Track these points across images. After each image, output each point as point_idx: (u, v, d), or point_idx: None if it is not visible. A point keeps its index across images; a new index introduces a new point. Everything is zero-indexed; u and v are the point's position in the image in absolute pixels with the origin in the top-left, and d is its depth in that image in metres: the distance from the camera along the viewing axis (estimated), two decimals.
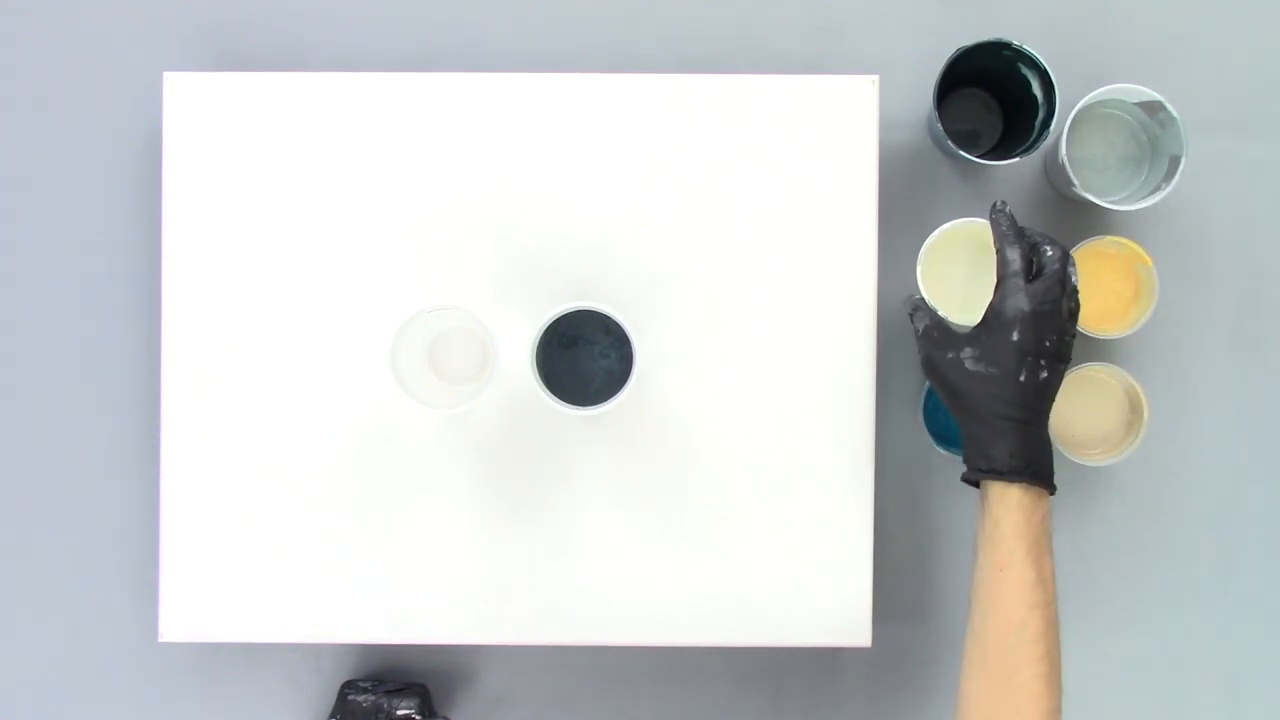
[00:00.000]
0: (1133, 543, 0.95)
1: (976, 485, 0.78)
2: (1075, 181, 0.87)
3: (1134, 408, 0.90)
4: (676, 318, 0.89)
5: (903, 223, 0.93)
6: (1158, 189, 0.88)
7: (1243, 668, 0.95)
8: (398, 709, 0.90)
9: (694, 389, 0.89)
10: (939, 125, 0.88)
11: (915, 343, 0.83)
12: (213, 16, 0.95)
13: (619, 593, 0.89)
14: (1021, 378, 0.75)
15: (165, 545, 0.89)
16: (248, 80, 0.89)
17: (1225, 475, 0.95)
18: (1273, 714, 0.95)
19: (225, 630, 0.89)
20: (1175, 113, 0.87)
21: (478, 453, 0.89)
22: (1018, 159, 0.88)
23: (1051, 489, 0.77)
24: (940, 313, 0.83)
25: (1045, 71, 0.87)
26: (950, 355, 0.78)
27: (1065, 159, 0.88)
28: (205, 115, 0.89)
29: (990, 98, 0.95)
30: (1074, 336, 0.78)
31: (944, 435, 0.93)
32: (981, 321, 0.78)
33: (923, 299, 0.84)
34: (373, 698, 0.90)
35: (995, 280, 0.78)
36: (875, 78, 0.89)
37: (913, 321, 0.83)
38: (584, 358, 0.90)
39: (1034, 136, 0.88)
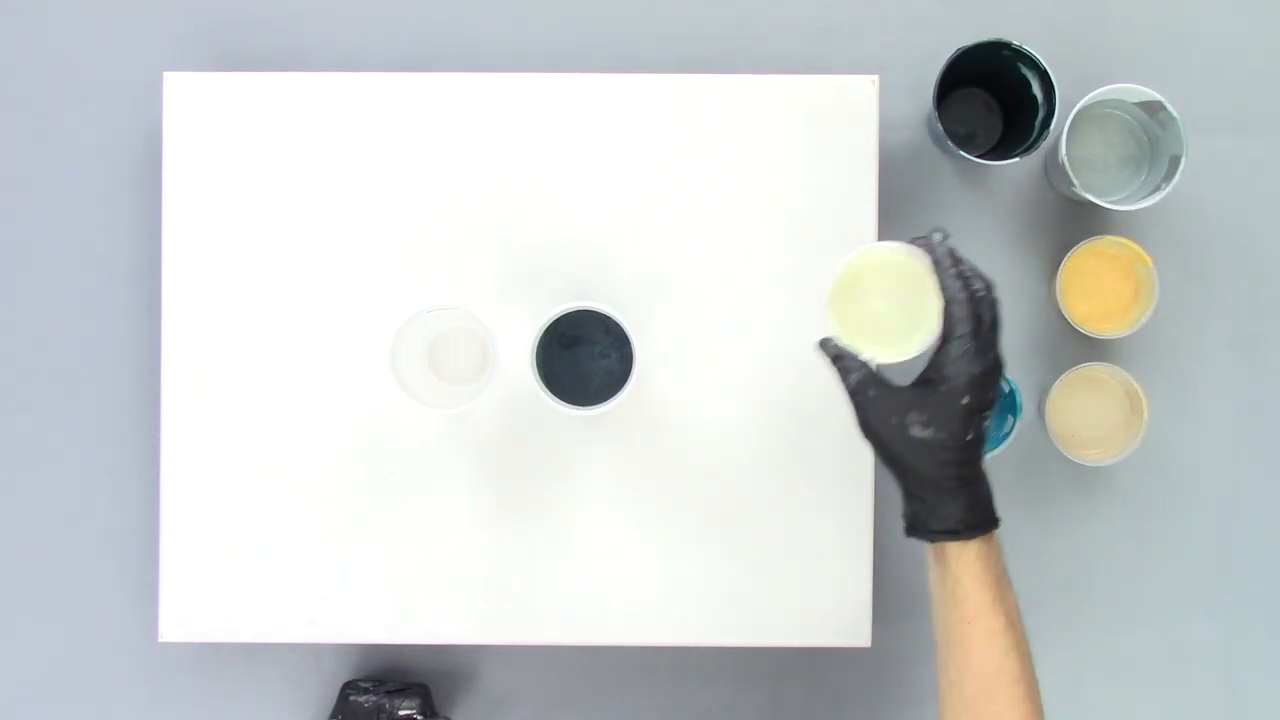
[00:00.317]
0: (1133, 543, 0.95)
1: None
2: (1075, 181, 0.87)
3: (1134, 408, 0.90)
4: (676, 318, 0.89)
5: (903, 223, 0.93)
6: (1158, 189, 0.88)
7: (1243, 668, 0.95)
8: (399, 709, 0.90)
9: (694, 389, 0.89)
10: (939, 125, 0.88)
11: (844, 395, 0.75)
12: (213, 16, 0.95)
13: (619, 593, 0.89)
14: (969, 437, 0.72)
15: (165, 545, 0.89)
16: (248, 80, 0.89)
17: (1225, 475, 0.95)
18: (1273, 714, 0.95)
19: (225, 630, 0.89)
20: (1175, 113, 0.87)
21: (478, 453, 0.89)
22: (1018, 159, 0.88)
23: (998, 524, 0.74)
24: (864, 357, 0.74)
25: (1045, 71, 0.86)
26: (894, 421, 0.72)
27: (1065, 159, 0.88)
28: (205, 115, 0.89)
29: (990, 98, 0.95)
30: (1001, 366, 0.73)
31: None
32: (924, 381, 0.72)
33: (844, 345, 0.75)
34: (374, 698, 0.90)
35: (922, 316, 0.73)
36: (875, 78, 0.89)
37: (836, 372, 0.75)
38: (584, 358, 0.90)
39: (1034, 136, 0.88)
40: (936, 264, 0.73)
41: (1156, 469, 0.94)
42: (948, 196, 0.95)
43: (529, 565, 0.89)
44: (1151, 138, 0.91)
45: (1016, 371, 0.94)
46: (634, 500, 0.89)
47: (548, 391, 0.82)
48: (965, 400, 0.71)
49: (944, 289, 0.72)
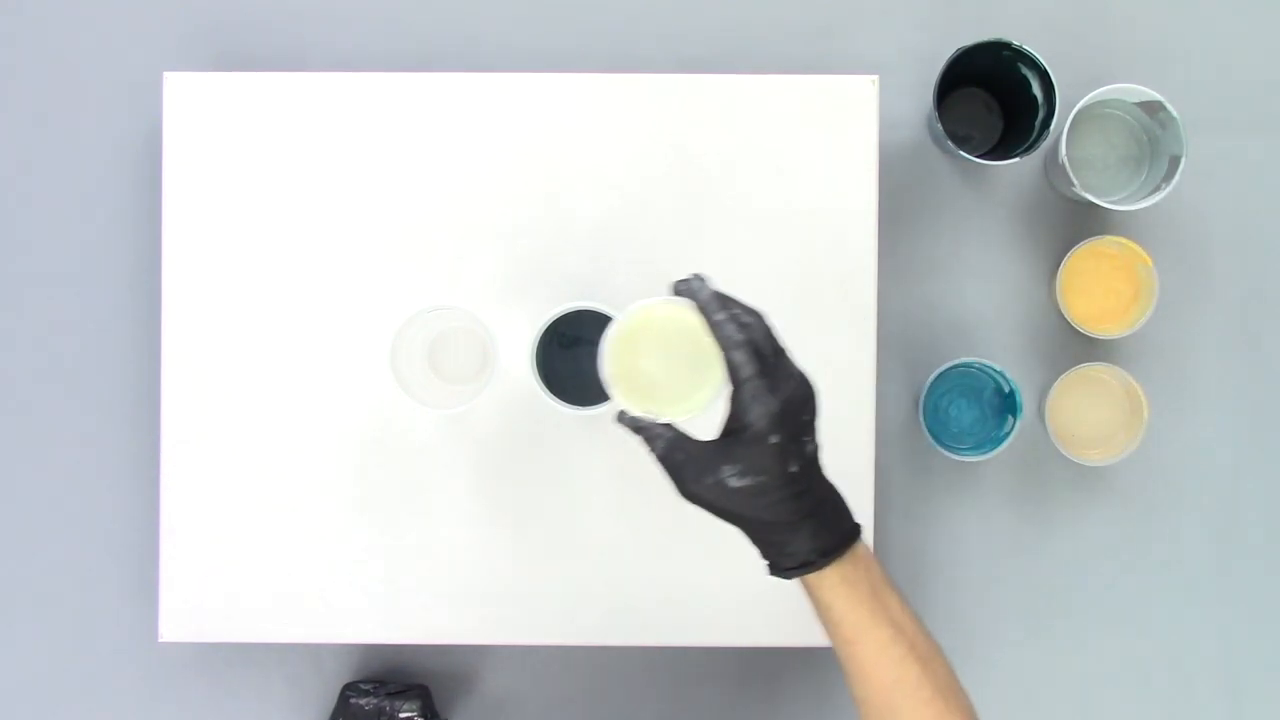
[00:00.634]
0: (1133, 543, 0.95)
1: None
2: (1075, 181, 0.87)
3: (1134, 408, 0.90)
4: None
5: (903, 223, 0.93)
6: (1158, 189, 0.88)
7: (1243, 668, 0.95)
8: (400, 711, 0.90)
9: None
10: (939, 125, 0.88)
11: (655, 465, 0.71)
12: (213, 16, 0.95)
13: (619, 593, 0.89)
14: (793, 469, 0.68)
15: (165, 545, 0.89)
16: (248, 80, 0.89)
17: (1225, 475, 0.95)
18: (1273, 714, 0.95)
19: (225, 630, 0.89)
20: (1175, 113, 0.87)
21: (478, 453, 0.89)
22: (1018, 159, 0.88)
23: (858, 531, 0.71)
24: (663, 421, 0.71)
25: (1045, 71, 0.87)
26: (710, 480, 0.68)
27: (1065, 159, 0.88)
28: (205, 115, 0.89)
29: (990, 98, 0.95)
30: (812, 382, 0.71)
31: (944, 435, 0.93)
32: (727, 433, 0.69)
33: (637, 416, 0.71)
34: (374, 700, 0.90)
35: (707, 365, 0.70)
36: (875, 78, 0.89)
37: (643, 443, 0.71)
38: (584, 358, 0.90)
39: (1034, 136, 0.88)
40: (702, 311, 0.69)
41: (1156, 469, 0.95)
42: (948, 196, 0.95)
43: (529, 565, 0.89)
44: (1151, 138, 0.91)
45: (1016, 371, 0.94)
46: (634, 500, 0.89)
47: (548, 391, 0.82)
48: (774, 439, 0.67)
49: (717, 337, 0.69)
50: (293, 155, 0.89)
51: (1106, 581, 0.95)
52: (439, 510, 0.89)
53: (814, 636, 0.89)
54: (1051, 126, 0.87)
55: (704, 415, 0.71)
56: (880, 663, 0.69)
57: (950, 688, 0.70)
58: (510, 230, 0.89)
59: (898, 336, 0.94)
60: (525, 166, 0.89)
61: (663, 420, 0.71)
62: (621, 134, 0.89)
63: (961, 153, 0.88)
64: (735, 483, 0.68)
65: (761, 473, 0.68)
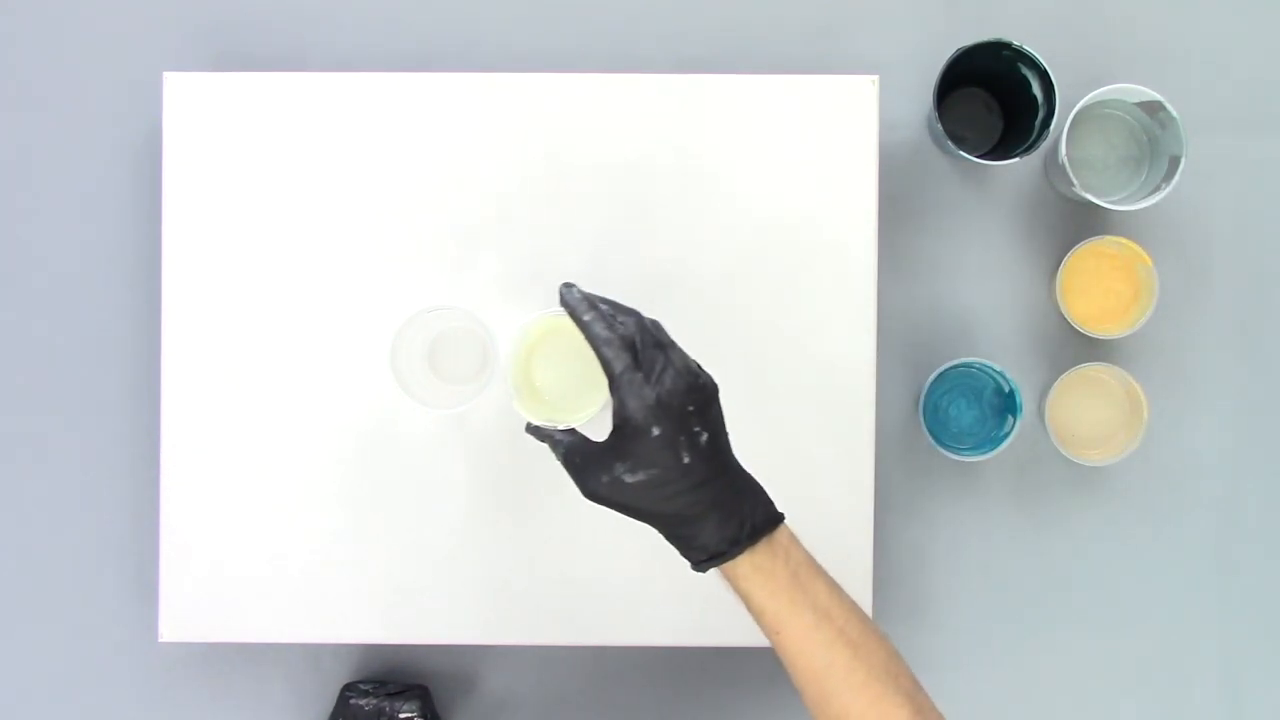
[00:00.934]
0: (1133, 543, 0.95)
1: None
2: (1075, 181, 0.87)
3: (1134, 408, 0.90)
4: (676, 318, 0.89)
5: (903, 223, 0.93)
6: (1158, 189, 0.88)
7: (1243, 668, 0.95)
8: (399, 712, 0.90)
9: None
10: (939, 125, 0.88)
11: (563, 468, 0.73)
12: (213, 16, 0.95)
13: (619, 593, 0.89)
14: (686, 460, 0.68)
15: (165, 545, 0.89)
16: (248, 80, 0.89)
17: (1225, 475, 0.95)
18: (1273, 714, 0.95)
19: (225, 630, 0.89)
20: (1175, 113, 0.87)
21: (478, 453, 0.89)
22: (1018, 159, 0.88)
23: (778, 519, 0.71)
24: (563, 426, 0.74)
25: (1045, 71, 0.87)
26: (605, 478, 0.69)
27: (1065, 159, 0.88)
28: (205, 115, 0.89)
29: (990, 98, 0.95)
30: (702, 374, 0.72)
31: (944, 435, 0.93)
32: (614, 430, 0.70)
33: (539, 425, 0.75)
34: (374, 701, 0.90)
35: (594, 372, 0.71)
36: (875, 78, 0.89)
37: (551, 450, 0.74)
38: None
39: (1034, 136, 0.88)
40: (572, 315, 0.72)
41: (1156, 469, 0.95)
42: (948, 196, 0.95)
43: (529, 565, 0.89)
44: (1151, 138, 0.91)
45: (1016, 371, 0.94)
46: None
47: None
48: (656, 432, 0.68)
49: (586, 337, 0.71)
50: (293, 155, 0.89)
51: (1106, 581, 0.95)
52: (439, 510, 0.89)
53: None
54: (1051, 126, 0.87)
55: (602, 418, 0.73)
56: (806, 650, 0.68)
57: (889, 671, 0.68)
58: (510, 230, 0.89)
59: (898, 337, 0.94)
60: (525, 166, 0.89)
61: (563, 427, 0.74)
62: (621, 134, 0.89)
63: (961, 153, 0.88)
64: (629, 478, 0.69)
65: (652, 465, 0.69)
